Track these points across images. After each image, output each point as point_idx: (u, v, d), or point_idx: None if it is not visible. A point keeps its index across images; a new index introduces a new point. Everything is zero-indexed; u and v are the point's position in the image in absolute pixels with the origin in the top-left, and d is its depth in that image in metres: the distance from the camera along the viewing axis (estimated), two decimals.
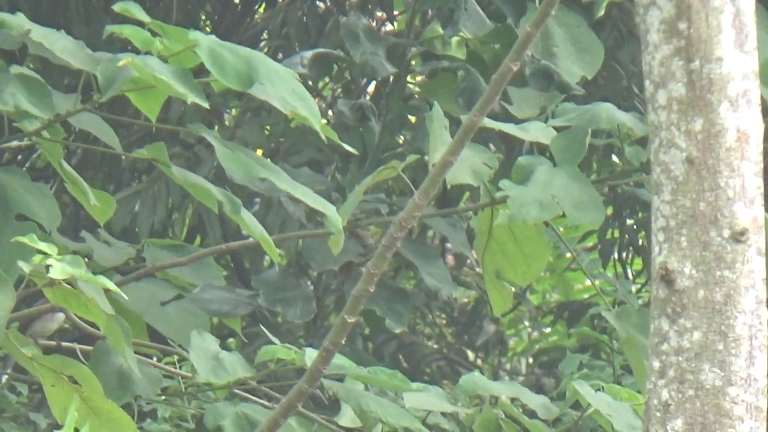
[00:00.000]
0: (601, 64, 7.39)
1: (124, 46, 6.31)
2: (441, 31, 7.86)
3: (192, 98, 6.16)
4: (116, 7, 6.23)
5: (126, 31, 6.20)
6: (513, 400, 7.09)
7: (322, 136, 6.63)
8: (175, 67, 6.18)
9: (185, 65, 6.21)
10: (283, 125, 8.86)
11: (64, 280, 6.06)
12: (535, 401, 6.97)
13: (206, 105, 6.25)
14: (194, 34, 6.21)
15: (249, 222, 6.49)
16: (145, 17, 6.20)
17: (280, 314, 8.09)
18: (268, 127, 9.08)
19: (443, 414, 7.14)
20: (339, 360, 6.61)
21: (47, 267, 6.00)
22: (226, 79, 6.16)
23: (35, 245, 5.97)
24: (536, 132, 6.78)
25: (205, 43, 6.18)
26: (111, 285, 6.21)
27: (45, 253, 5.97)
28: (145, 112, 6.44)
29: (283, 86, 6.26)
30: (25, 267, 6.03)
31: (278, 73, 6.27)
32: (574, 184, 6.66)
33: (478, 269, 10.64)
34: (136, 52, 6.21)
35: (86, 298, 6.21)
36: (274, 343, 6.87)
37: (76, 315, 6.63)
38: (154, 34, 6.21)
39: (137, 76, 6.19)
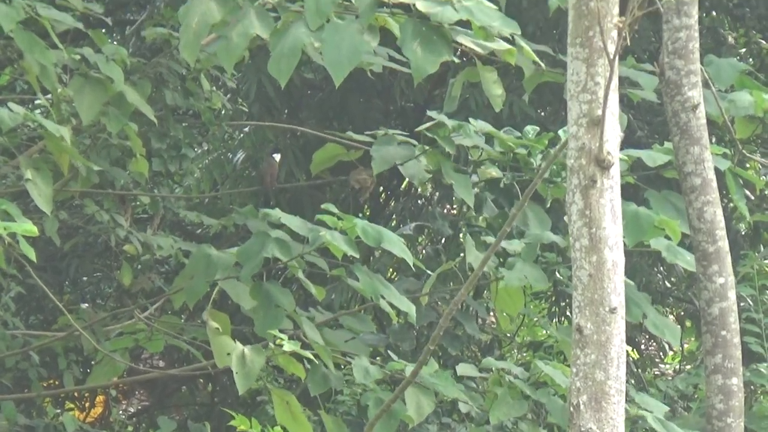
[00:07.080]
0: (550, 227, 7.25)
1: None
2: (474, 214, 7.69)
3: (351, 252, 6.10)
4: (323, 206, 6.19)
5: (326, 218, 6.15)
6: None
7: (412, 267, 6.55)
8: (346, 237, 6.12)
9: (351, 233, 6.12)
10: (395, 260, 8.73)
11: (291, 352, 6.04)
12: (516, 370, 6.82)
13: (357, 255, 6.18)
14: (356, 220, 6.16)
15: (383, 303, 6.35)
16: (335, 210, 6.16)
17: (400, 346, 7.91)
18: (388, 266, 8.99)
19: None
20: (425, 368, 6.51)
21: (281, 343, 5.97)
22: (367, 240, 6.09)
23: (278, 334, 5.98)
24: (516, 246, 6.69)
25: (359, 224, 6.10)
26: (319, 340, 6.20)
27: (281, 337, 5.95)
28: (336, 252, 6.27)
29: (395, 246, 6.18)
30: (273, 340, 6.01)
31: (392, 238, 6.18)
32: (533, 271, 6.56)
33: (490, 322, 10.44)
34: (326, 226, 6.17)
35: (295, 361, 6.19)
36: (396, 360, 6.81)
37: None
38: (339, 218, 6.13)
39: (328, 240, 6.12)
